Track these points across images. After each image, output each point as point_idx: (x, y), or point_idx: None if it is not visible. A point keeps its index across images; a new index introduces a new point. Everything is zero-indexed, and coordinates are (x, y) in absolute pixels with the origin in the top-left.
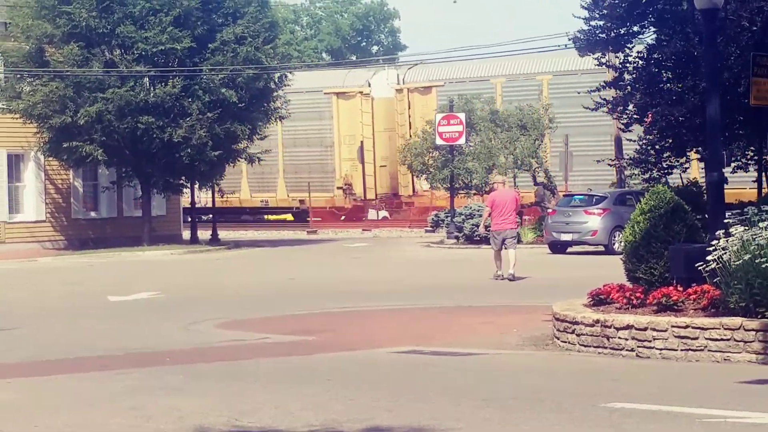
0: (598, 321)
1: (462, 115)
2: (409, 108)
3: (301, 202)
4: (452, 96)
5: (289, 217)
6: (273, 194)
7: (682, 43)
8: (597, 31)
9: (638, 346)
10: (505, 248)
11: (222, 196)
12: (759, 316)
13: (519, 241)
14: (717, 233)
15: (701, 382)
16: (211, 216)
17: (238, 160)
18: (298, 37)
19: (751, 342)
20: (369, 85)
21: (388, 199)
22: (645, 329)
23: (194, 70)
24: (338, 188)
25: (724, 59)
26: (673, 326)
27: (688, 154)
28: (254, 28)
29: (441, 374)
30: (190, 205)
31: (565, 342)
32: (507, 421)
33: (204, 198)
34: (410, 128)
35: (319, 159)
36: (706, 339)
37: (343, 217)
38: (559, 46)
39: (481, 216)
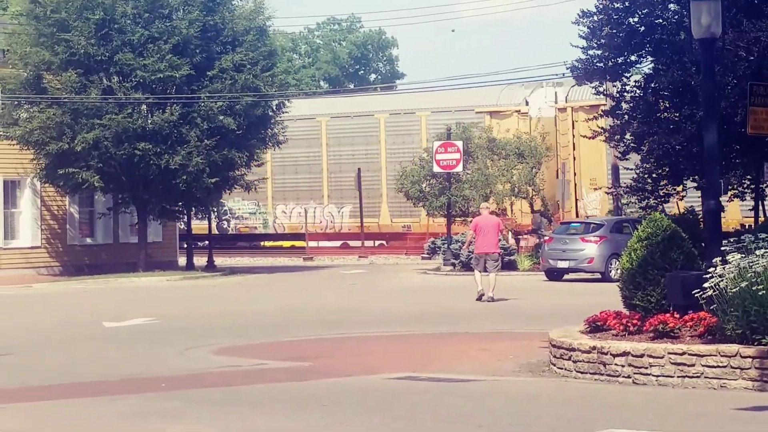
0: (594, 348)
1: (459, 143)
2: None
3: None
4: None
5: (285, 243)
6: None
7: (679, 73)
8: (595, 61)
9: (635, 373)
10: (487, 272)
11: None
12: (755, 343)
13: (504, 267)
14: (714, 260)
15: (698, 409)
16: (206, 243)
17: (235, 188)
18: (296, 65)
19: (747, 369)
20: (527, 104)
21: None
22: (642, 356)
23: (192, 98)
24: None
25: (722, 88)
26: (669, 353)
27: (685, 182)
28: (253, 56)
29: (437, 401)
30: (185, 232)
31: (562, 369)
32: None
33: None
34: (573, 149)
35: None
36: (703, 366)
37: None
38: (557, 74)
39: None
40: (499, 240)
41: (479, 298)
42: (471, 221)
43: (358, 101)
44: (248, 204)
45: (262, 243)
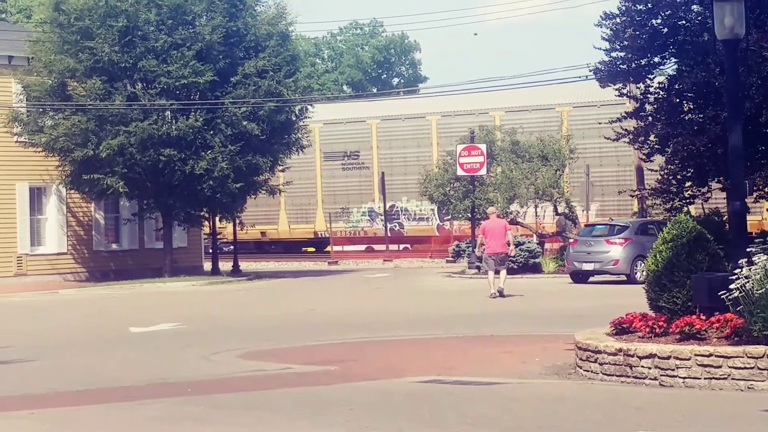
0: (620, 350)
1: (483, 146)
2: None
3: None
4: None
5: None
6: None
7: (703, 74)
8: (618, 63)
9: (661, 375)
10: (497, 270)
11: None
12: None
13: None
14: (740, 262)
15: (725, 411)
16: (232, 247)
17: (260, 192)
18: (319, 69)
19: None
20: None
21: None
22: (668, 358)
23: (216, 104)
24: None
25: (746, 89)
26: (696, 355)
27: (709, 183)
28: (276, 62)
29: (463, 404)
30: (210, 236)
31: (588, 371)
32: None
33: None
34: None
35: None
36: (730, 367)
37: None
38: (579, 77)
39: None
40: (508, 241)
41: (492, 297)
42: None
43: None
44: (425, 204)
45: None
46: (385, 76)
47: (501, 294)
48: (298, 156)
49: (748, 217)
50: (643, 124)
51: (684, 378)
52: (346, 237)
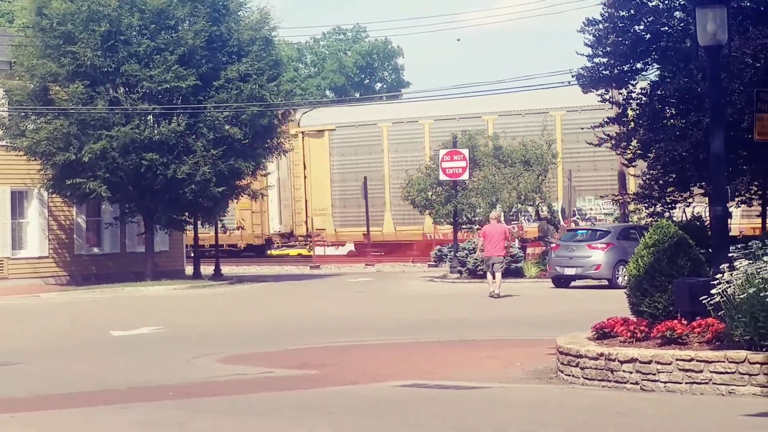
0: (602, 354)
1: (465, 151)
2: None
3: None
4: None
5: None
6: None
7: (685, 80)
8: (600, 68)
9: (642, 380)
10: (494, 272)
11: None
12: (764, 349)
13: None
14: (721, 267)
15: (706, 416)
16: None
17: (242, 196)
18: (302, 74)
19: (755, 375)
20: None
21: None
22: (649, 362)
23: (199, 108)
24: None
25: (728, 95)
26: (677, 359)
27: (691, 189)
28: (258, 66)
29: (444, 408)
30: (192, 241)
31: (569, 375)
32: None
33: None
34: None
35: None
36: (711, 372)
37: None
38: (562, 82)
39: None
40: (506, 246)
41: (490, 295)
42: (478, 229)
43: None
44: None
45: (268, 252)
46: (368, 81)
47: (497, 295)
48: None
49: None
50: (625, 129)
51: (665, 383)
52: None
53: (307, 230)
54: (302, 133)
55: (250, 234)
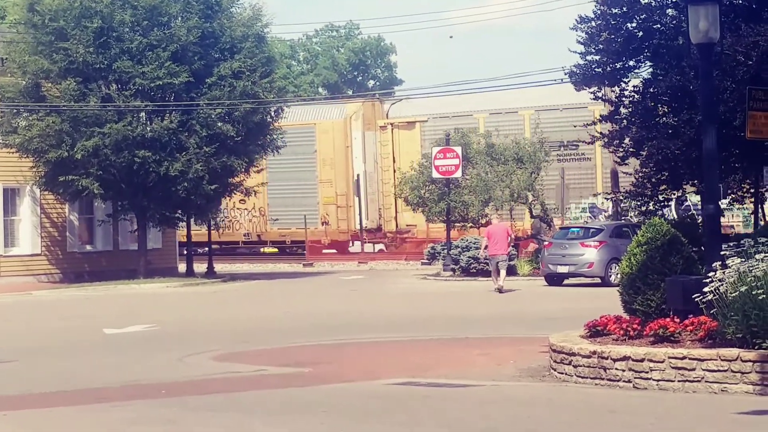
0: (595, 352)
1: (458, 149)
2: None
3: None
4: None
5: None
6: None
7: (677, 78)
8: (593, 66)
9: (635, 378)
10: (498, 269)
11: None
12: (756, 347)
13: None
14: (714, 265)
15: (699, 413)
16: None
17: (234, 194)
18: (295, 71)
19: (748, 373)
20: None
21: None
22: (642, 360)
23: (191, 105)
24: None
25: (720, 93)
26: (670, 357)
27: (684, 186)
28: (251, 63)
29: (438, 406)
30: (186, 238)
31: (562, 373)
32: None
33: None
34: None
35: None
36: (703, 370)
37: None
38: (554, 80)
39: (477, 248)
40: (509, 242)
41: (495, 290)
42: (471, 227)
43: None
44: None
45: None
46: (360, 78)
47: (501, 289)
48: None
49: None
50: (617, 127)
51: (658, 380)
52: None
53: (396, 226)
54: (391, 124)
55: (335, 230)
